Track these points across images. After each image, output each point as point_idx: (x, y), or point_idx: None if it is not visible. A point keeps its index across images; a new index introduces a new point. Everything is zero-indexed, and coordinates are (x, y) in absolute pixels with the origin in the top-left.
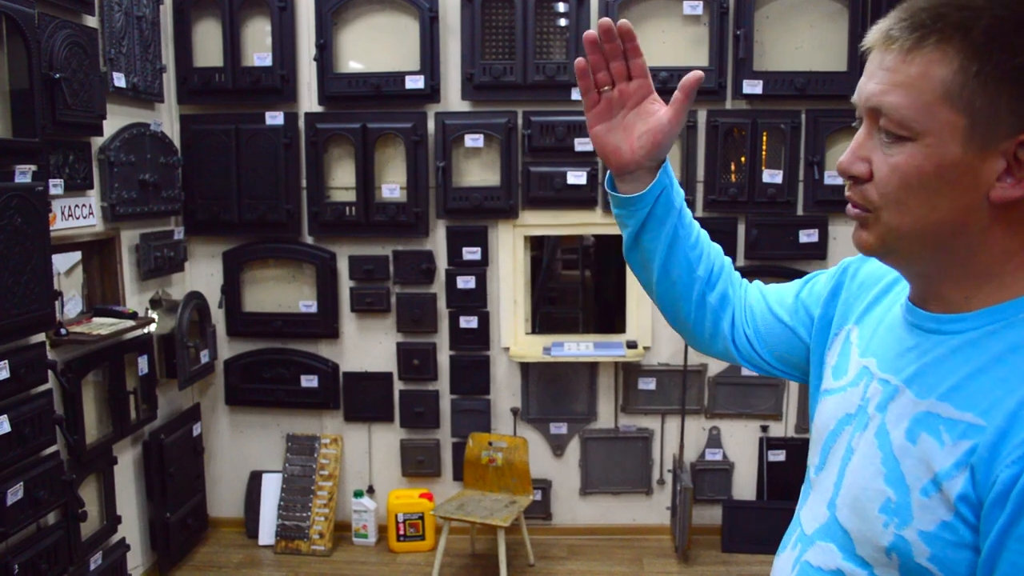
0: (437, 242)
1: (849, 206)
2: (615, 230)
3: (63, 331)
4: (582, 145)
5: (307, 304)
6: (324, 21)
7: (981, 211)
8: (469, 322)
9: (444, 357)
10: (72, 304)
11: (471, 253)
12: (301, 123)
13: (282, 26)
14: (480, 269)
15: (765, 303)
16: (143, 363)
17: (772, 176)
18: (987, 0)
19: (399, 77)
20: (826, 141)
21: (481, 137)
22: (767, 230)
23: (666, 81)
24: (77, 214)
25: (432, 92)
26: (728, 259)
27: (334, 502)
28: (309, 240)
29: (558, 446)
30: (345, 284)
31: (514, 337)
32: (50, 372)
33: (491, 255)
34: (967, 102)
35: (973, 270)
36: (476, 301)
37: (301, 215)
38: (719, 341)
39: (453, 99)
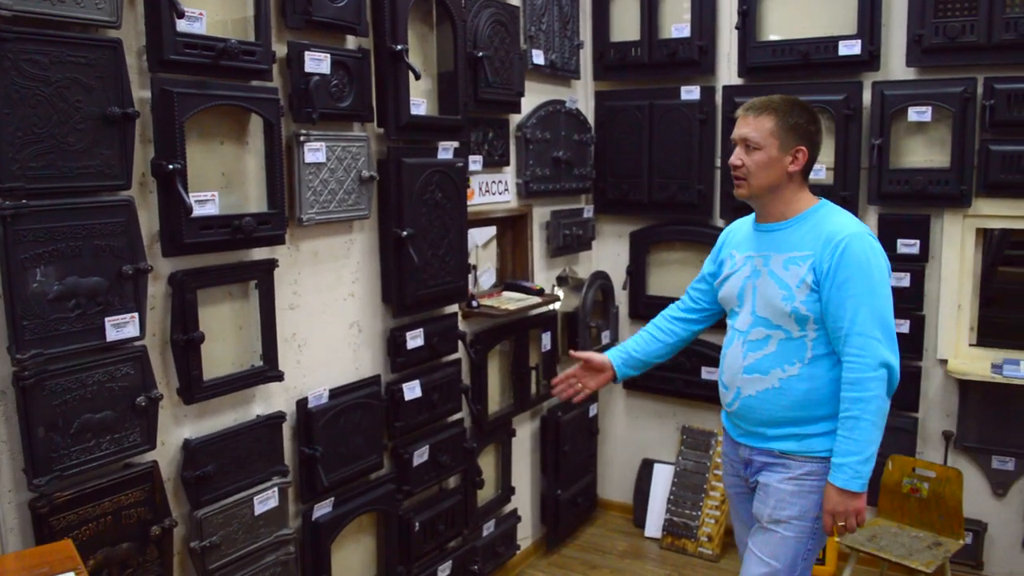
0: None
1: (735, 179)
2: None
3: (475, 304)
4: None
5: None
6: None
7: (784, 177)
8: (900, 326)
9: None
10: (485, 277)
11: (907, 246)
12: (718, 97)
13: None
14: (917, 265)
15: (699, 296)
16: (546, 339)
17: None
18: (779, 99)
19: (831, 43)
20: None
21: (929, 110)
22: None
23: None
24: (494, 190)
25: (870, 58)
26: (664, 317)
27: (727, 505)
28: (720, 223)
29: (1000, 484)
30: None
31: (954, 348)
32: (460, 343)
33: (932, 249)
34: (777, 135)
35: (784, 201)
36: (910, 302)
37: (713, 196)
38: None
39: (895, 66)
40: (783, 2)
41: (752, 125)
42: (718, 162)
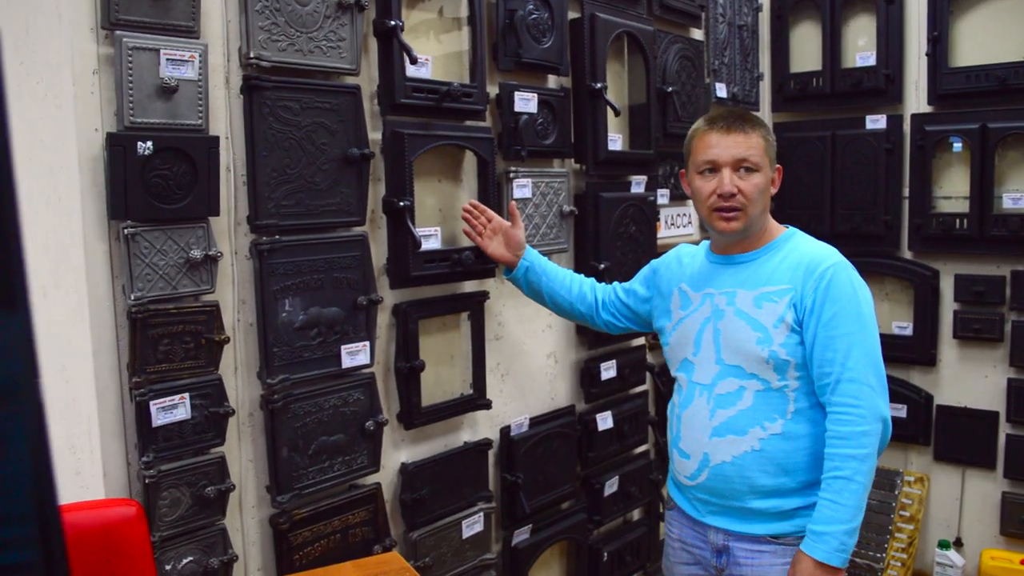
0: None
1: (725, 211)
2: None
3: None
4: None
5: (901, 325)
6: (939, 11)
7: (769, 199)
8: None
9: None
10: None
11: None
12: (906, 126)
13: (888, 21)
14: None
15: (617, 297)
16: None
17: None
18: (746, 111)
19: None
20: None
21: None
22: None
23: None
24: (678, 223)
25: None
26: (590, 280)
27: (914, 548)
28: (908, 255)
29: None
30: (948, 306)
31: None
32: (647, 374)
33: None
34: (765, 152)
35: (760, 228)
36: None
37: (901, 228)
38: (590, 322)
39: None
40: (977, 27)
41: (747, 143)
42: (906, 191)
